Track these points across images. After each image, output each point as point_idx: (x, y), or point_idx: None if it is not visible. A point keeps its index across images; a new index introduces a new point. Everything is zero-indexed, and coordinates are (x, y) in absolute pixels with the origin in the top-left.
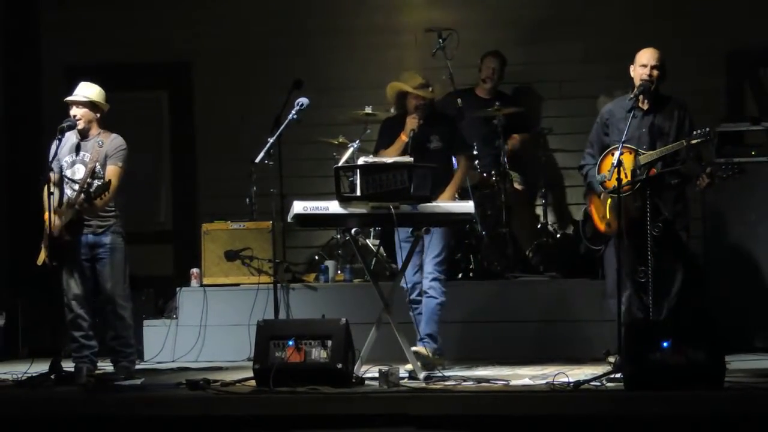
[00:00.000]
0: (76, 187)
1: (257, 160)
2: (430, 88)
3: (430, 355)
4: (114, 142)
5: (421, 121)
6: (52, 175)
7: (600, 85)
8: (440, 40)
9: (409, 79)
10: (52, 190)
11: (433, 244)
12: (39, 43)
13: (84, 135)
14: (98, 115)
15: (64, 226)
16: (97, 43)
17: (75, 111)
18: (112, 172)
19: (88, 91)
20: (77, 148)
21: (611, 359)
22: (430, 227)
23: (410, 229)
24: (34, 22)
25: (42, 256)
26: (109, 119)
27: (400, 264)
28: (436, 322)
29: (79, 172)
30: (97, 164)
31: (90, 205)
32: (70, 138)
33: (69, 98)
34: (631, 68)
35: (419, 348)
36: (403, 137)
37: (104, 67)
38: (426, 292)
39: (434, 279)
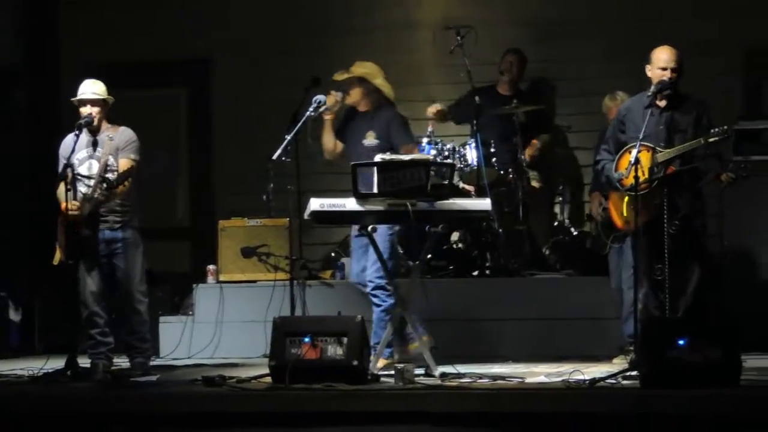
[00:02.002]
0: (90, 182)
1: (274, 157)
2: (345, 74)
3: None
4: (124, 134)
5: (339, 96)
6: (69, 171)
7: (620, 82)
8: (458, 38)
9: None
10: (68, 187)
11: (371, 250)
12: (58, 41)
13: (95, 131)
14: (106, 110)
15: (83, 221)
16: (116, 41)
17: (90, 109)
18: (124, 164)
19: (98, 88)
20: (89, 145)
21: (616, 360)
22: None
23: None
24: (53, 21)
25: (58, 256)
26: (129, 117)
27: (352, 260)
28: (383, 328)
29: (93, 167)
30: (110, 157)
31: (111, 193)
32: (80, 136)
33: (84, 97)
34: (648, 68)
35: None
36: (325, 117)
37: (123, 65)
38: (372, 300)
39: (375, 288)
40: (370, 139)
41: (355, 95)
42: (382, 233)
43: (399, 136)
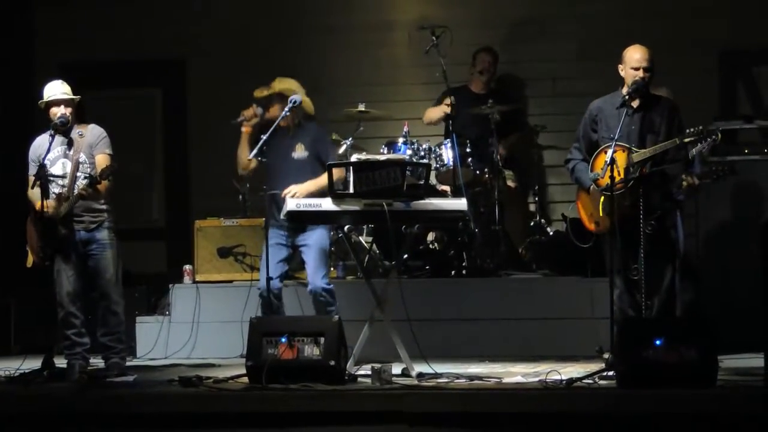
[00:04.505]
0: (60, 182)
1: (250, 157)
2: (266, 90)
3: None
4: (94, 131)
5: (259, 111)
6: (43, 171)
7: (594, 82)
8: (433, 38)
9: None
10: (42, 187)
11: (310, 254)
12: (32, 40)
13: (67, 131)
14: (75, 109)
15: (60, 220)
16: (91, 41)
17: (64, 110)
18: (103, 160)
19: (66, 88)
20: (62, 144)
21: (605, 356)
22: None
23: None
24: (28, 20)
25: (30, 258)
26: (103, 117)
27: (269, 266)
28: None
29: (66, 167)
30: (81, 155)
31: (94, 188)
32: (54, 137)
33: (56, 98)
34: (620, 67)
35: None
36: (242, 129)
37: (98, 65)
38: (322, 301)
39: (324, 290)
40: (299, 152)
41: (275, 111)
42: (321, 233)
43: (328, 153)
